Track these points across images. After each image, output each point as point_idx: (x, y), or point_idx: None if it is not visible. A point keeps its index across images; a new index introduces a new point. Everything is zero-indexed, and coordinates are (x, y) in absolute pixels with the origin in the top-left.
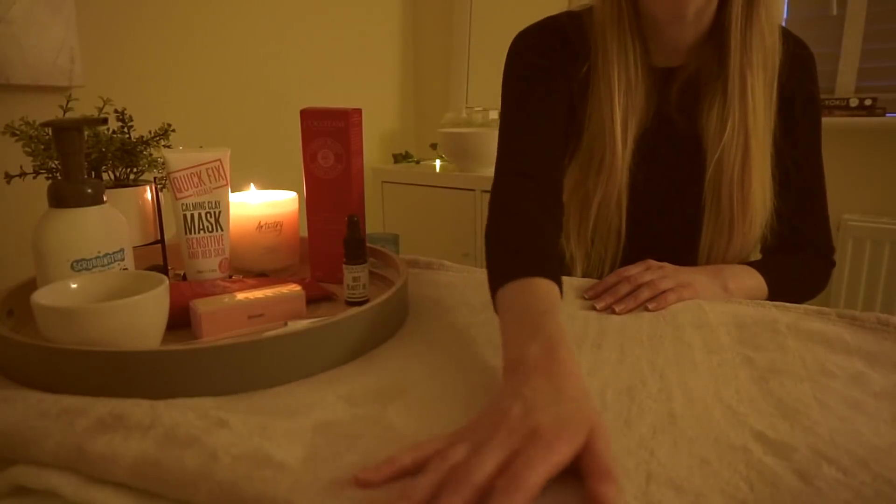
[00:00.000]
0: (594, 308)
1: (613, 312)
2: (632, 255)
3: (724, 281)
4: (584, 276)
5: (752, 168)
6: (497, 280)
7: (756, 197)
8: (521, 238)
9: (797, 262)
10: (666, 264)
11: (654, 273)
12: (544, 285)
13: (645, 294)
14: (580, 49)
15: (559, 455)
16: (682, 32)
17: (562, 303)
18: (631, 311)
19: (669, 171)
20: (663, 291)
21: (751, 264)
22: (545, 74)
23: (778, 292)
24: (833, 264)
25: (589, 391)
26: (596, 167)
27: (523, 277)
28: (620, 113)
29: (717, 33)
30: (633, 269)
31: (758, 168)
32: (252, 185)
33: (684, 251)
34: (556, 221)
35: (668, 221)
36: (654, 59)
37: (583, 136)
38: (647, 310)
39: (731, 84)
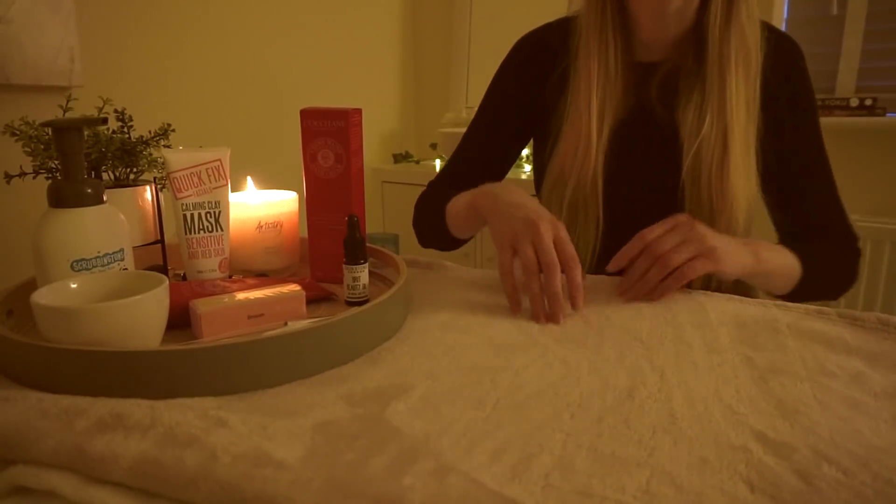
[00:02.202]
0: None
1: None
2: (612, 244)
3: (756, 249)
4: None
5: (730, 162)
6: (439, 215)
7: (737, 190)
8: (445, 198)
9: (826, 247)
10: (696, 223)
11: (676, 237)
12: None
13: (670, 284)
14: (561, 51)
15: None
16: (664, 29)
17: None
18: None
19: (648, 162)
20: (678, 268)
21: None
22: (514, 91)
23: (812, 277)
24: (859, 252)
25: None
26: (571, 154)
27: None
28: (597, 102)
29: (698, 29)
30: (657, 231)
31: (738, 162)
32: (249, 178)
33: None
34: None
35: (647, 211)
36: (637, 54)
37: (562, 130)
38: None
39: (709, 79)
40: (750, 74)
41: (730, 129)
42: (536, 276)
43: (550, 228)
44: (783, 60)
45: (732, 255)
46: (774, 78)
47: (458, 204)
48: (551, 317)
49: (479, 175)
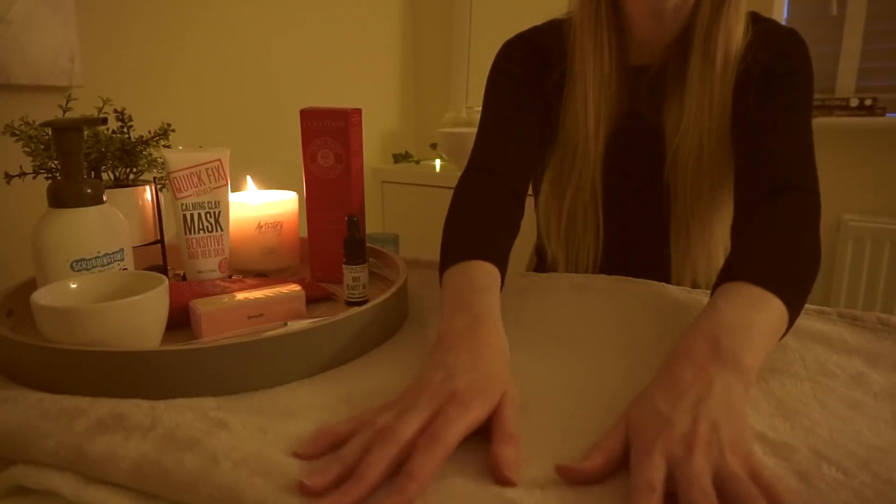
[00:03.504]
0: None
1: None
2: (612, 251)
3: (737, 360)
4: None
5: (704, 166)
6: (444, 264)
7: (714, 196)
8: (472, 227)
9: (778, 223)
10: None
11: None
12: (483, 267)
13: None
14: (558, 53)
15: (473, 413)
16: (659, 30)
17: (498, 283)
18: None
19: (641, 166)
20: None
21: (748, 275)
22: (518, 82)
23: (794, 295)
24: (815, 201)
25: (507, 362)
26: (570, 160)
27: (466, 260)
28: (593, 107)
29: (689, 30)
30: (657, 473)
31: (712, 166)
32: (248, 177)
33: (659, 246)
34: (511, 215)
35: (642, 215)
36: (630, 57)
37: (559, 135)
38: None
39: (689, 80)
40: (727, 70)
41: (704, 130)
42: (359, 443)
43: (439, 399)
44: (769, 44)
45: (728, 406)
46: (756, 64)
47: (442, 301)
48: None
49: (513, 158)
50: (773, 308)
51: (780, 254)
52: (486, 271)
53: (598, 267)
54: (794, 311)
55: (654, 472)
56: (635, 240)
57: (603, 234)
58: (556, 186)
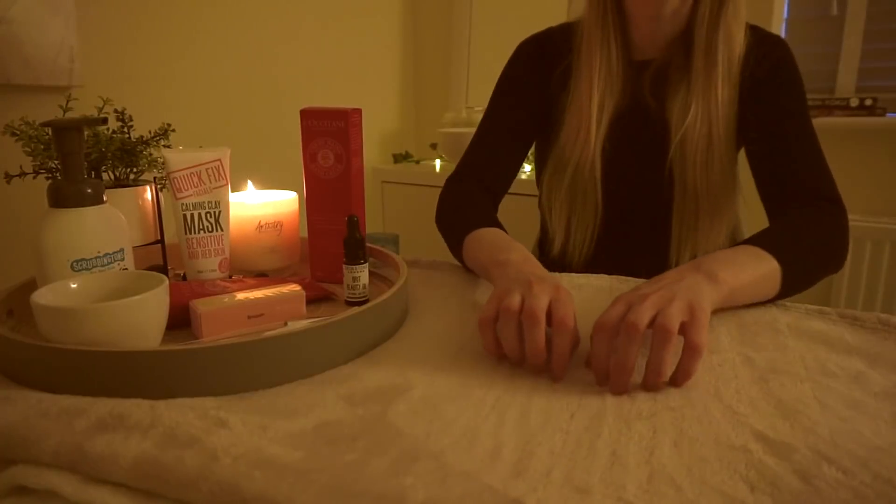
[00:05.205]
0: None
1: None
2: (610, 229)
3: (712, 270)
4: (561, 252)
5: (714, 149)
6: (459, 237)
7: (721, 176)
8: (469, 210)
9: (806, 219)
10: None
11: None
12: (500, 232)
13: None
14: (564, 50)
15: (573, 303)
16: (660, 28)
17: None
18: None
19: (642, 151)
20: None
21: (755, 241)
22: (520, 86)
23: (796, 266)
24: (844, 211)
25: None
26: (572, 140)
27: (480, 228)
28: (598, 95)
29: (689, 29)
30: (613, 314)
31: (721, 149)
32: (249, 182)
33: (658, 227)
34: (493, 211)
35: (642, 198)
36: (634, 53)
37: (563, 120)
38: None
39: (694, 73)
40: (733, 71)
41: (713, 119)
42: (514, 321)
43: (548, 289)
44: (766, 51)
45: (697, 294)
46: (759, 69)
47: (478, 255)
48: (537, 369)
49: (496, 168)
50: (765, 261)
51: (796, 234)
52: (505, 234)
53: (596, 242)
54: (788, 277)
55: (611, 314)
56: (635, 218)
57: (602, 212)
58: (559, 166)
